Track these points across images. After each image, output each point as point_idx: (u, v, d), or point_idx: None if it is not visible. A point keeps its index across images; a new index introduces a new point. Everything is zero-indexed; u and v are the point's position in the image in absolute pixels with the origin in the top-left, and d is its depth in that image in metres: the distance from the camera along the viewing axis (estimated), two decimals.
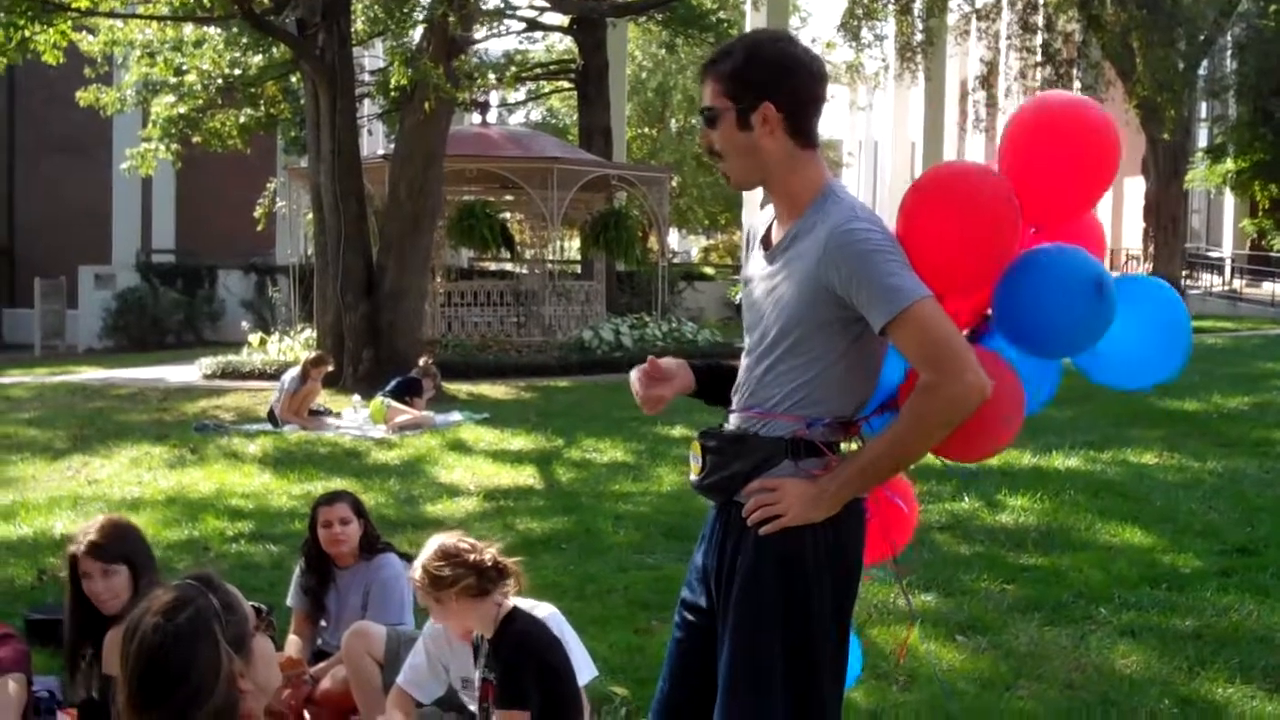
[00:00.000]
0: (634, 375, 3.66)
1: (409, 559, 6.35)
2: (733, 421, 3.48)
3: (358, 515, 6.14)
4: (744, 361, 3.50)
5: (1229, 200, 40.29)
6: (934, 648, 6.53)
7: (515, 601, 4.66)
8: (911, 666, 6.22)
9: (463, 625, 4.59)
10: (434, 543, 4.59)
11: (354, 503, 6.22)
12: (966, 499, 9.90)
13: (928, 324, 3.16)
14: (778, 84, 3.32)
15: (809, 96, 3.37)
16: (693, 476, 3.53)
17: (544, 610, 4.84)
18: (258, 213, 28.00)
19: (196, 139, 24.30)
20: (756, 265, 3.50)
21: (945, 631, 6.77)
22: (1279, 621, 6.86)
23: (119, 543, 4.89)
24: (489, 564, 4.48)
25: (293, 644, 6.03)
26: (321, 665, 5.88)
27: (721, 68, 3.38)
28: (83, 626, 4.94)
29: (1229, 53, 34.73)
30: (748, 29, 37.43)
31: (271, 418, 15.33)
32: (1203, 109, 37.19)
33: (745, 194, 43.11)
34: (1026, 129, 3.53)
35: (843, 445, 3.43)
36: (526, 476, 11.81)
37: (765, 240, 3.49)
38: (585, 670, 4.95)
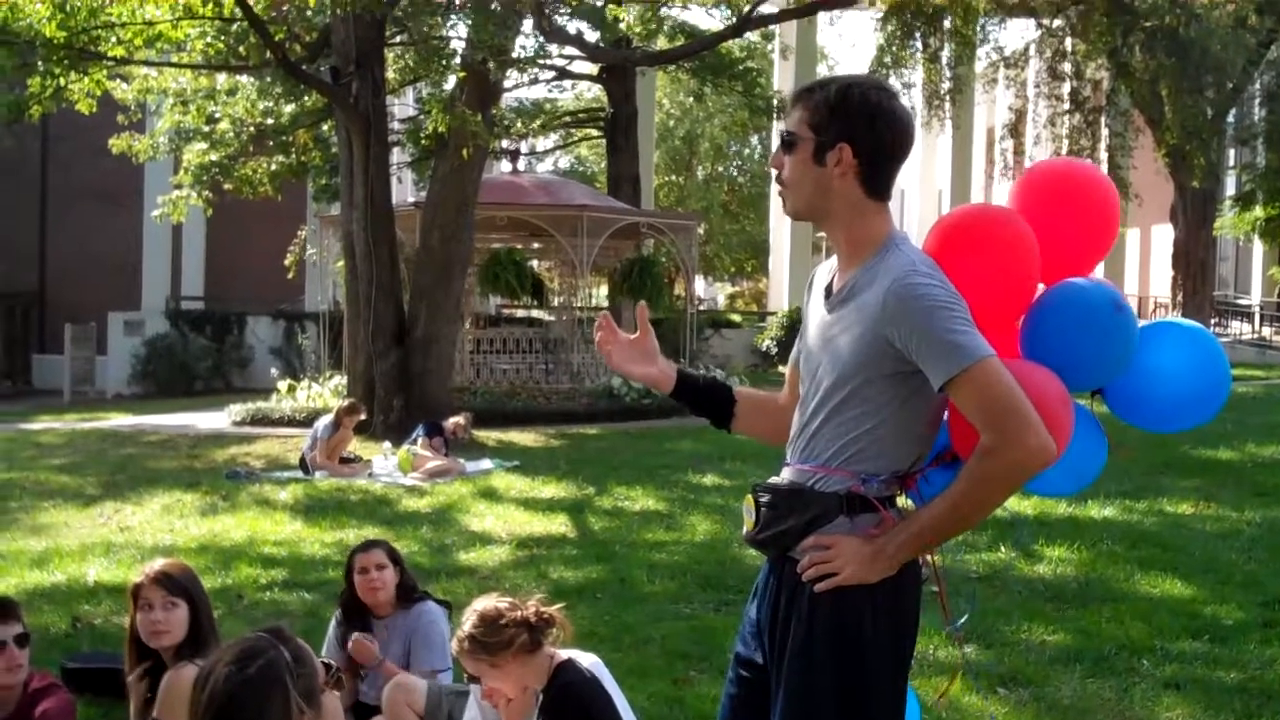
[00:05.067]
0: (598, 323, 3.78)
1: (446, 605, 6.35)
2: (787, 475, 3.42)
3: (394, 563, 6.13)
4: (798, 412, 3.46)
5: (1258, 248, 40.20)
6: (976, 700, 6.47)
7: (568, 653, 4.62)
8: (954, 719, 6.17)
9: (520, 684, 4.54)
10: (474, 611, 4.53)
11: (389, 550, 6.22)
12: (1003, 549, 9.84)
13: (989, 384, 3.11)
14: (864, 129, 3.29)
15: (890, 151, 3.33)
16: (746, 530, 3.46)
17: (587, 660, 4.80)
18: (288, 260, 28.12)
19: (228, 186, 24.43)
20: (815, 314, 3.47)
21: (987, 684, 6.70)
22: None
23: (185, 579, 4.91)
24: (535, 617, 4.45)
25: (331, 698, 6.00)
26: None
27: (814, 98, 3.35)
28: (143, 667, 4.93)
29: (1258, 100, 34.68)
30: (775, 78, 37.64)
31: (303, 465, 15.35)
32: (1231, 156, 37.11)
33: (773, 242, 43.24)
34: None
35: (899, 499, 3.39)
36: (559, 525, 11.77)
37: (827, 290, 3.45)
38: None
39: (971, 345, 3.12)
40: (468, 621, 4.49)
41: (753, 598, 3.55)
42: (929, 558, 3.50)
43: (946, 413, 3.38)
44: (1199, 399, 3.64)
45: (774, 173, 3.49)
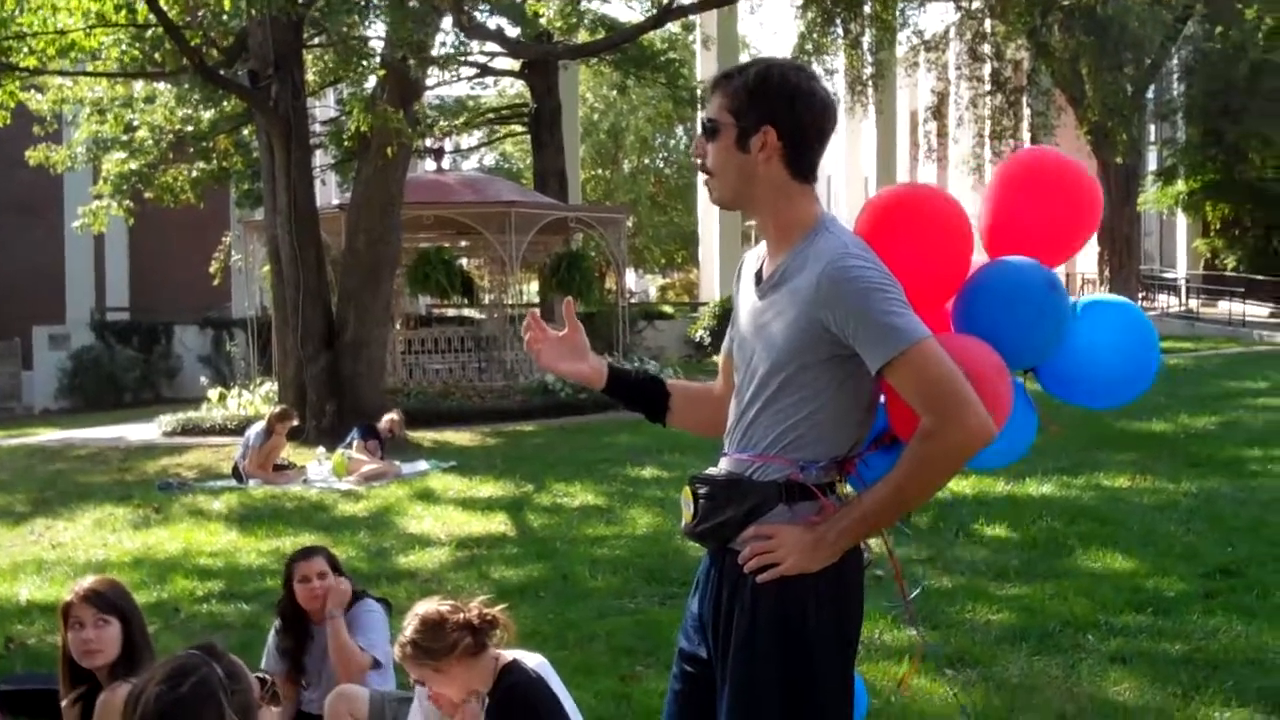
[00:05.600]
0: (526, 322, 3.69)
1: (385, 602, 6.27)
2: (724, 465, 3.36)
3: (334, 569, 6.04)
4: (733, 401, 3.39)
5: (1181, 221, 40.71)
6: (924, 682, 6.44)
7: (513, 654, 4.54)
8: (903, 703, 6.14)
9: (466, 687, 4.45)
10: (415, 616, 4.42)
11: (329, 557, 6.12)
12: (943, 529, 9.84)
13: (928, 366, 3.05)
14: (784, 111, 3.22)
15: (814, 130, 3.26)
16: (684, 523, 3.40)
17: (533, 660, 4.73)
18: (213, 267, 27.83)
19: (149, 195, 24.13)
20: (746, 302, 3.40)
21: (934, 665, 6.68)
22: (1268, 642, 6.83)
23: (116, 595, 4.78)
24: (478, 619, 4.36)
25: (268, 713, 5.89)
26: None
27: (733, 83, 3.27)
28: (75, 686, 4.81)
29: (1176, 76, 35.09)
30: (698, 69, 37.63)
31: (236, 474, 15.15)
32: (1151, 132, 37.53)
33: (702, 232, 43.28)
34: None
35: (837, 484, 3.33)
36: (498, 524, 11.68)
37: (757, 276, 3.39)
38: None
39: (908, 327, 3.06)
40: (409, 626, 4.39)
41: (694, 591, 3.48)
42: (875, 541, 3.46)
43: (884, 395, 3.33)
44: (1128, 377, 3.62)
45: (698, 162, 3.41)
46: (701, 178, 3.44)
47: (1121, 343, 3.59)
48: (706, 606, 3.37)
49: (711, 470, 3.37)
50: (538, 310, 3.86)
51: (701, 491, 3.32)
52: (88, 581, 4.87)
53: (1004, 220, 3.55)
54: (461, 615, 4.38)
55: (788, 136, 3.23)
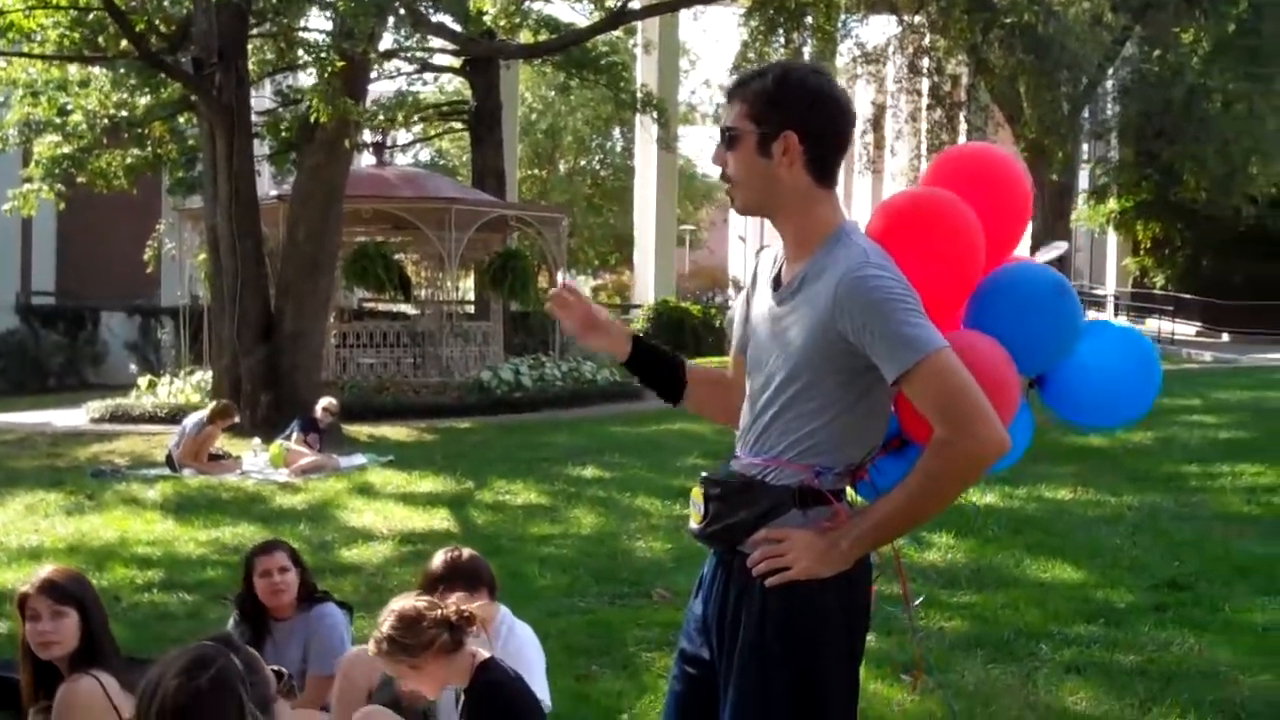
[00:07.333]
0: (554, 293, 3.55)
1: (347, 607, 6.17)
2: (737, 468, 3.32)
3: (295, 563, 5.94)
4: (747, 405, 3.36)
5: (1112, 239, 41.13)
6: (880, 688, 6.43)
7: (488, 651, 4.49)
8: (862, 709, 6.11)
9: (441, 683, 4.39)
10: (391, 611, 4.33)
11: (291, 551, 6.02)
12: None
13: (944, 377, 3.03)
14: (806, 114, 3.19)
15: (835, 133, 3.25)
16: (693, 524, 3.36)
17: (526, 630, 4.74)
18: (147, 255, 27.48)
19: (81, 179, 23.76)
20: (762, 306, 3.37)
21: (890, 671, 6.66)
22: (1221, 656, 6.88)
23: (73, 586, 4.66)
24: (455, 616, 4.29)
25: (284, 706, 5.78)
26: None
27: (752, 89, 3.24)
28: (37, 680, 4.68)
29: (1112, 96, 35.41)
30: (639, 72, 37.61)
31: (170, 462, 14.96)
32: (1085, 150, 37.90)
33: (637, 235, 43.25)
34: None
35: (848, 491, 3.31)
36: (440, 520, 11.58)
37: (775, 281, 3.35)
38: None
39: (925, 337, 3.04)
40: (385, 622, 4.30)
41: (697, 592, 3.44)
42: (882, 550, 3.44)
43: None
44: (1133, 395, 3.65)
45: (719, 170, 3.37)
46: (724, 186, 3.39)
47: (1126, 368, 3.62)
48: (712, 608, 3.33)
49: (724, 472, 3.34)
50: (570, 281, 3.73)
51: (713, 493, 3.29)
52: (44, 572, 4.75)
53: None
54: (439, 612, 4.30)
55: (810, 141, 3.21)
